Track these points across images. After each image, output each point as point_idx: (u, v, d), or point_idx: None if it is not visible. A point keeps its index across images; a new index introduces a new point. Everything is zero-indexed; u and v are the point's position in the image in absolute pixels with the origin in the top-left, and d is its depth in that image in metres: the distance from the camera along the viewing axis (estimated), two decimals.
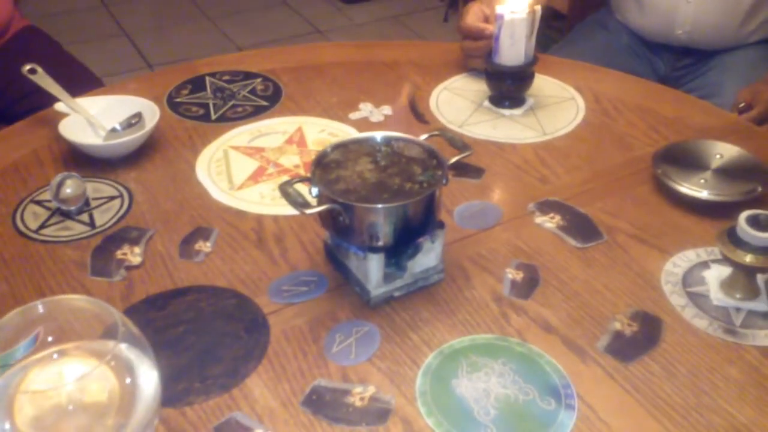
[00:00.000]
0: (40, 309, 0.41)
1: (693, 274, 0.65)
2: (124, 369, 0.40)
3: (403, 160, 0.61)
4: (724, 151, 0.76)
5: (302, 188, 0.60)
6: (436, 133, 0.65)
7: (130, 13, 2.58)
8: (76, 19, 2.50)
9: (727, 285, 0.63)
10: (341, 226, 0.58)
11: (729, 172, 0.74)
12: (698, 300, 0.62)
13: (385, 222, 0.57)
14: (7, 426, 0.38)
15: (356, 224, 0.57)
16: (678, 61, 1.22)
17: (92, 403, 0.40)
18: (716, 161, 0.75)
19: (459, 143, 0.64)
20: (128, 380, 0.40)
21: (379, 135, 0.62)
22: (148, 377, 0.41)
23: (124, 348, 0.40)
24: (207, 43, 2.40)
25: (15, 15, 1.15)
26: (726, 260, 0.60)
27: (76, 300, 0.43)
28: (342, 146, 0.62)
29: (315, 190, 0.58)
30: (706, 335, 0.59)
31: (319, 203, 0.58)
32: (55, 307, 0.42)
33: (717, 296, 0.62)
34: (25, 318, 0.41)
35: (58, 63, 1.12)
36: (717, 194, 0.71)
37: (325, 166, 0.60)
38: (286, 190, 0.58)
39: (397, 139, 0.62)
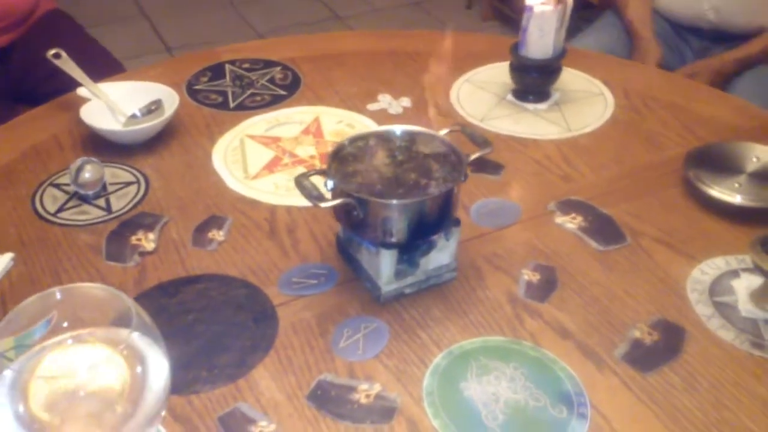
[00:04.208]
0: (58, 295, 0.42)
1: (721, 283, 0.62)
2: (136, 358, 0.41)
3: (421, 155, 0.59)
4: (761, 154, 0.73)
5: (317, 179, 0.59)
6: (457, 128, 0.63)
7: None
8: (98, 1, 2.52)
9: (757, 296, 0.60)
10: (355, 221, 0.57)
11: (766, 177, 0.70)
12: (725, 310, 0.60)
13: (399, 218, 0.56)
14: (21, 409, 0.39)
15: (370, 219, 0.56)
16: (708, 49, 1.17)
17: (104, 390, 0.40)
18: (752, 165, 0.72)
19: (479, 139, 0.62)
20: (139, 369, 0.41)
21: (398, 129, 0.61)
22: (159, 367, 0.42)
23: (136, 337, 0.41)
24: (225, 27, 2.39)
25: None
26: (758, 270, 0.57)
27: (93, 288, 0.44)
28: (360, 139, 0.61)
29: (330, 183, 0.57)
30: (731, 348, 0.57)
31: (334, 196, 0.57)
32: (71, 294, 0.43)
33: (746, 307, 0.60)
34: (43, 304, 0.42)
35: (81, 47, 1.12)
36: (752, 200, 0.68)
37: (341, 159, 0.59)
38: (301, 183, 0.57)
39: (417, 133, 0.60)
